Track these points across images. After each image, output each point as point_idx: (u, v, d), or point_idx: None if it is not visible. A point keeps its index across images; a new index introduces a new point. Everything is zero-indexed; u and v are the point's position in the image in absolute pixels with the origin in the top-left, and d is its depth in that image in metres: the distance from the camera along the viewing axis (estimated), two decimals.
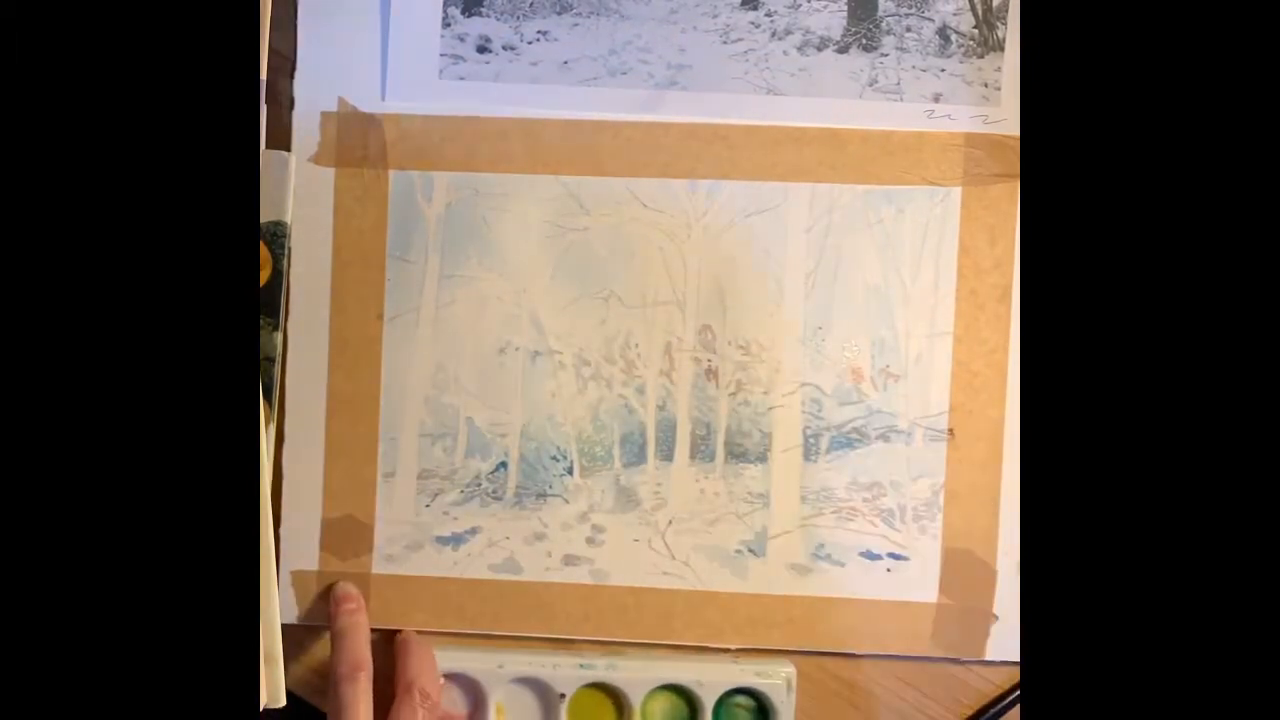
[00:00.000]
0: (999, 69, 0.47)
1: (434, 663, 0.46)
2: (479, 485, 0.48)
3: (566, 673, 0.47)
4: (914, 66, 0.47)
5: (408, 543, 0.48)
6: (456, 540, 0.48)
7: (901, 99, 0.47)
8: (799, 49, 0.47)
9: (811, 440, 0.47)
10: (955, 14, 0.47)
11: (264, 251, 0.46)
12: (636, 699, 0.47)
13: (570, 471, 0.48)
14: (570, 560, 0.48)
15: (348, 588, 0.47)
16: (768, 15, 0.47)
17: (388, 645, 0.47)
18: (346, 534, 0.48)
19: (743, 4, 0.47)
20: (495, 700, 0.47)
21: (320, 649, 0.48)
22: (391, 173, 0.47)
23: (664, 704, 0.48)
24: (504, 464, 0.48)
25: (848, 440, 0.47)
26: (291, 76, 0.47)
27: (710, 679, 0.47)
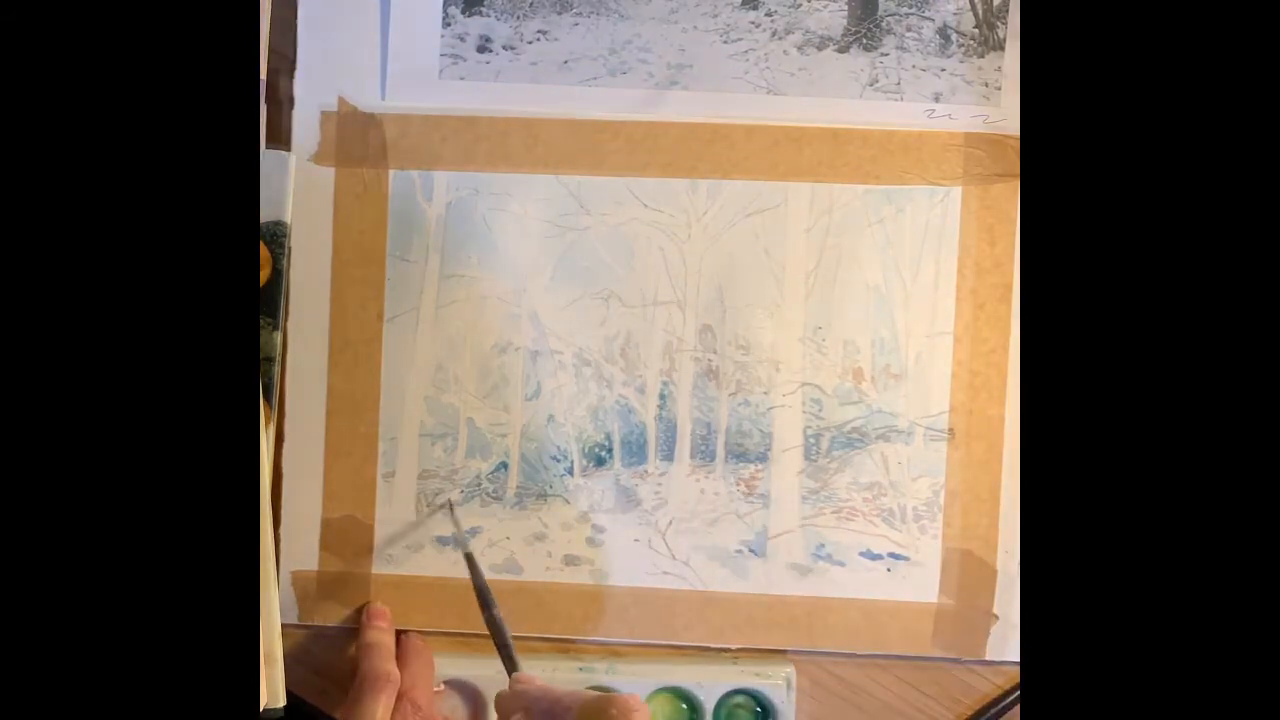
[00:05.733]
0: (999, 69, 0.47)
1: (430, 672, 0.46)
2: (479, 485, 0.48)
3: (566, 676, 0.47)
4: (914, 66, 0.47)
5: (408, 543, 0.48)
6: (457, 541, 0.48)
7: (902, 99, 0.47)
8: (799, 48, 0.47)
9: (812, 440, 0.47)
10: (955, 13, 0.47)
11: (264, 251, 0.46)
12: None
13: (570, 471, 0.48)
14: (571, 560, 0.48)
15: (382, 607, 0.47)
16: (768, 15, 0.47)
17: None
18: (346, 534, 0.48)
19: (743, 3, 0.47)
20: None
21: (320, 649, 0.48)
22: (391, 172, 0.47)
23: (664, 706, 0.48)
24: (504, 464, 0.48)
25: (848, 440, 0.47)
26: (291, 76, 0.47)
27: (710, 679, 0.47)
